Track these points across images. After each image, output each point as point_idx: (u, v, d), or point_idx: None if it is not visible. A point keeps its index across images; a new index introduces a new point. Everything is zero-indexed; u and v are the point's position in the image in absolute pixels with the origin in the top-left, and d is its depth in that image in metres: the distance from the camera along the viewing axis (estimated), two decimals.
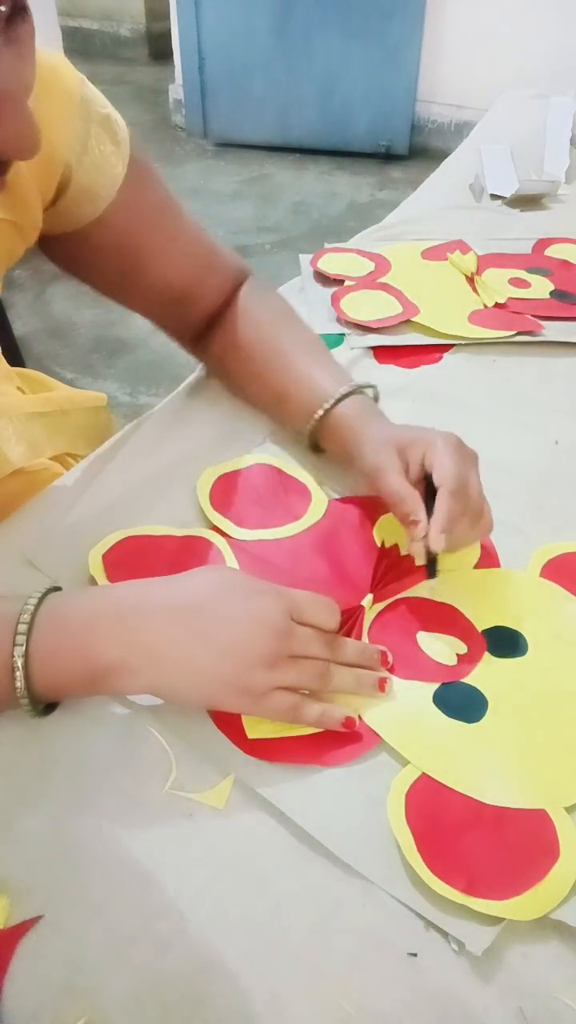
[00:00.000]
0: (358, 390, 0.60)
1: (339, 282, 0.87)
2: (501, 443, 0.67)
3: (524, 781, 0.42)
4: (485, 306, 0.83)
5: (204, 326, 0.69)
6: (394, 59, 2.95)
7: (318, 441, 0.62)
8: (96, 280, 0.63)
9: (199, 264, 0.65)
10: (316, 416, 0.60)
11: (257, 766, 0.43)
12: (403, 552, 0.55)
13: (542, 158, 1.20)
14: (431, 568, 0.51)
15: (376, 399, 0.63)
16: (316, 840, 0.40)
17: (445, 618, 0.51)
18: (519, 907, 0.37)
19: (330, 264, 0.89)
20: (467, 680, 0.48)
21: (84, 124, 0.53)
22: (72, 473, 0.63)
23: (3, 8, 0.32)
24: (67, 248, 0.59)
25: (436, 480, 0.51)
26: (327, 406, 0.59)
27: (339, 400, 0.59)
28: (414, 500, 0.51)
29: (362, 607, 0.51)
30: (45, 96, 0.35)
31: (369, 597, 0.52)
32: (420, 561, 0.52)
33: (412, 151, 3.16)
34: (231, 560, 0.54)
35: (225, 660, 0.42)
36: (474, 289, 0.86)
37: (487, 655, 0.49)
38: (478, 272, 0.89)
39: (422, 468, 0.53)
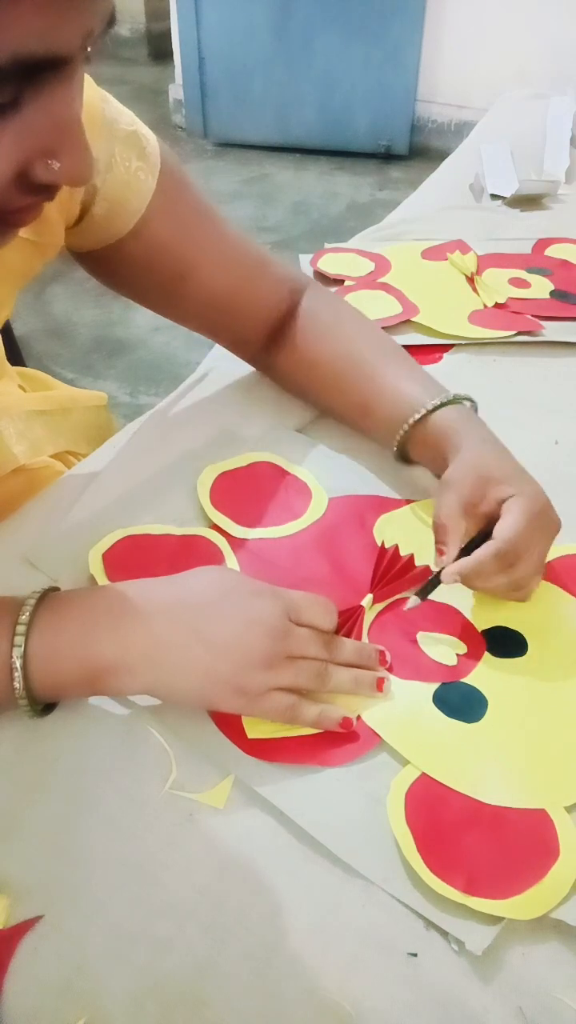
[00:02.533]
0: (455, 400, 0.58)
1: (339, 282, 0.87)
2: None
3: (524, 781, 0.42)
4: (485, 306, 0.83)
5: (265, 338, 0.67)
6: (394, 59, 2.95)
7: (407, 453, 0.60)
8: (139, 293, 0.63)
9: (244, 272, 0.64)
10: (405, 428, 0.58)
11: (257, 766, 0.43)
12: (404, 552, 0.55)
13: (542, 158, 1.20)
14: (426, 590, 0.50)
15: (475, 410, 0.60)
16: (316, 840, 0.40)
17: (445, 618, 0.51)
18: (519, 906, 0.37)
19: (330, 264, 0.89)
20: (467, 680, 0.48)
21: (108, 144, 0.53)
22: (72, 473, 0.63)
23: (90, 50, 0.32)
24: (106, 263, 0.59)
25: (495, 532, 0.48)
26: (418, 416, 0.57)
27: (432, 411, 0.57)
28: (453, 533, 0.49)
29: (362, 607, 0.51)
30: None
31: (369, 597, 0.52)
32: (411, 551, 0.52)
33: (412, 151, 3.16)
34: (231, 559, 0.54)
35: (222, 660, 0.42)
36: (474, 289, 0.86)
37: (487, 655, 0.49)
38: (478, 272, 0.89)
39: (497, 507, 0.50)
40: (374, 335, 0.65)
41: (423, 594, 0.50)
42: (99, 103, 0.52)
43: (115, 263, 0.59)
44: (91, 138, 0.52)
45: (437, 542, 0.51)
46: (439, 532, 0.51)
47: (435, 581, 0.50)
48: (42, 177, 0.34)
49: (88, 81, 0.51)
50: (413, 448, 0.59)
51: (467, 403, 0.59)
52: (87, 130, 0.51)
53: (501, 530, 0.48)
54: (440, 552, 0.50)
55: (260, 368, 0.71)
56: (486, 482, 0.51)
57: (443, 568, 0.49)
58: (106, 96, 0.53)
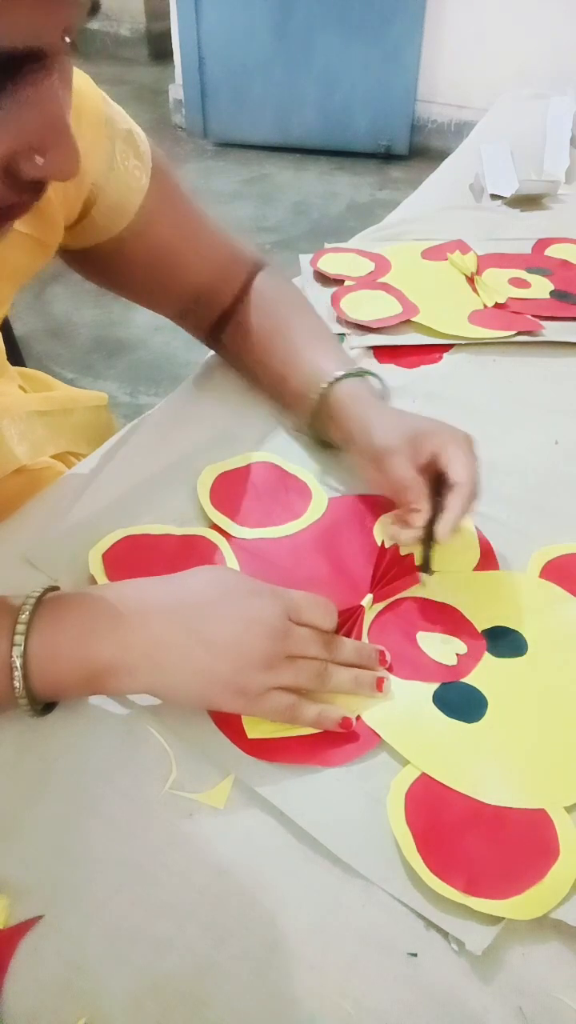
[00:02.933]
0: (360, 373, 0.60)
1: (339, 282, 0.87)
2: (501, 443, 0.67)
3: (524, 781, 0.42)
4: (485, 306, 0.83)
5: (220, 318, 0.69)
6: (394, 59, 2.95)
7: (320, 423, 0.61)
8: (125, 287, 0.64)
9: (222, 263, 0.66)
10: (314, 395, 0.59)
11: (257, 766, 0.43)
12: (403, 551, 0.55)
13: (542, 158, 1.20)
14: (426, 564, 0.52)
15: (384, 391, 0.63)
16: (316, 840, 0.40)
17: (445, 618, 0.51)
18: (519, 906, 0.37)
19: (330, 264, 0.89)
20: (467, 680, 0.48)
21: (110, 143, 0.54)
22: (72, 473, 0.63)
23: (69, 39, 0.32)
24: (96, 260, 0.60)
25: (453, 478, 0.52)
26: (325, 385, 0.59)
27: (339, 379, 0.59)
28: (419, 488, 0.52)
29: (362, 607, 0.51)
30: (75, 119, 0.36)
31: (369, 597, 0.52)
32: (410, 550, 0.53)
33: (412, 151, 3.16)
34: (231, 559, 0.54)
35: (222, 660, 0.42)
36: (474, 289, 0.86)
37: (487, 655, 0.49)
38: (478, 272, 0.89)
39: (431, 461, 0.53)
40: (307, 318, 0.67)
41: (427, 568, 0.52)
42: (101, 103, 0.53)
43: (107, 260, 0.60)
44: (95, 138, 0.52)
45: (407, 504, 0.52)
46: (405, 494, 0.52)
47: (428, 550, 0.52)
48: (28, 173, 0.34)
49: (88, 81, 0.52)
50: (324, 419, 0.61)
51: (373, 380, 0.61)
52: (92, 130, 0.52)
53: (460, 473, 0.51)
54: (415, 511, 0.51)
55: (211, 347, 0.73)
56: (419, 439, 0.53)
57: (427, 533, 0.51)
58: (105, 96, 0.54)
